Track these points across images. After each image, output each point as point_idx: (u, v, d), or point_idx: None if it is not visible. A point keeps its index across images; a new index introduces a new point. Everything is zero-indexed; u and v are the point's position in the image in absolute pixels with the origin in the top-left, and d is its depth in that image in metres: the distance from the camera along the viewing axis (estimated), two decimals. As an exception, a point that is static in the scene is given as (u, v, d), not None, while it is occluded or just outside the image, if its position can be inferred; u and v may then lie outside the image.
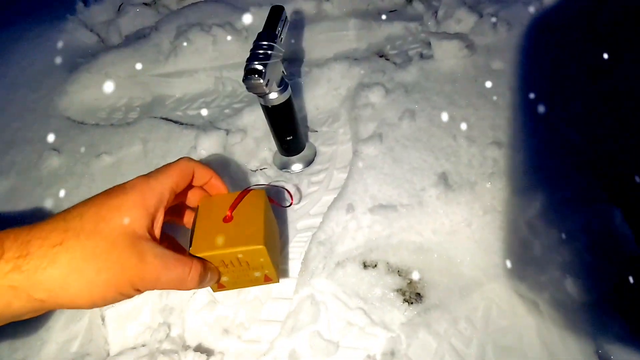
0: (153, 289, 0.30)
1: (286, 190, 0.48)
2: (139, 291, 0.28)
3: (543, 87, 0.52)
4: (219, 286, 0.37)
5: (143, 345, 0.41)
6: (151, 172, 0.32)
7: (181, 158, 0.35)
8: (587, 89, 0.50)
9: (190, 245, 0.33)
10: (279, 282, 0.38)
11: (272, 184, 0.52)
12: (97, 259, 0.26)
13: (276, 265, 0.38)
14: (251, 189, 0.37)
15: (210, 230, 0.34)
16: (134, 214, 0.28)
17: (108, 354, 0.41)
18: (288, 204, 0.50)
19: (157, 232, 0.31)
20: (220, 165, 0.55)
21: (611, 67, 0.53)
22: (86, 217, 0.27)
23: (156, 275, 0.28)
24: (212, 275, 0.33)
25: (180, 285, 0.30)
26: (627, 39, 0.55)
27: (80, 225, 0.26)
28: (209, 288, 0.37)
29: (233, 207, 0.35)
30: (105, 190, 0.30)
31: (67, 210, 0.27)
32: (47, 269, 0.24)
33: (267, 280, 0.38)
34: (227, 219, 0.35)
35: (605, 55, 0.54)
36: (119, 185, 0.30)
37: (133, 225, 0.28)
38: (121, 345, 0.42)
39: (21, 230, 0.25)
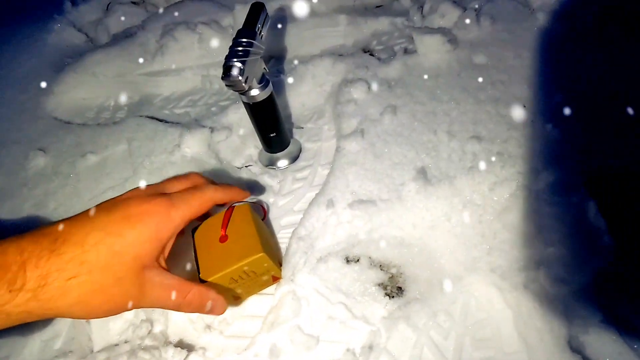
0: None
1: (261, 206, 0.49)
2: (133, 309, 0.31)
3: (524, 81, 0.52)
4: (235, 298, 0.42)
5: (126, 342, 0.41)
6: (174, 194, 0.33)
7: (208, 189, 0.35)
8: (567, 83, 0.51)
9: (198, 273, 0.36)
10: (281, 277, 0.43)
11: (249, 200, 0.53)
12: (104, 294, 0.28)
13: (278, 263, 0.43)
14: (234, 206, 0.40)
15: (212, 253, 0.37)
16: (147, 248, 0.30)
17: (91, 351, 0.42)
18: (262, 218, 0.51)
19: (165, 255, 0.33)
20: (205, 163, 0.55)
21: (592, 61, 0.53)
22: (102, 250, 0.28)
23: (151, 303, 0.31)
24: (214, 302, 0.34)
25: (175, 309, 0.32)
26: (610, 34, 0.55)
27: (96, 258, 0.28)
28: None
29: (224, 226, 0.38)
30: (124, 213, 0.30)
31: (85, 232, 0.28)
32: (59, 299, 0.27)
33: (275, 279, 0.43)
34: (223, 239, 0.37)
35: (587, 49, 0.54)
36: (138, 206, 0.30)
37: (143, 259, 0.30)
38: (105, 342, 0.42)
39: (41, 255, 0.27)
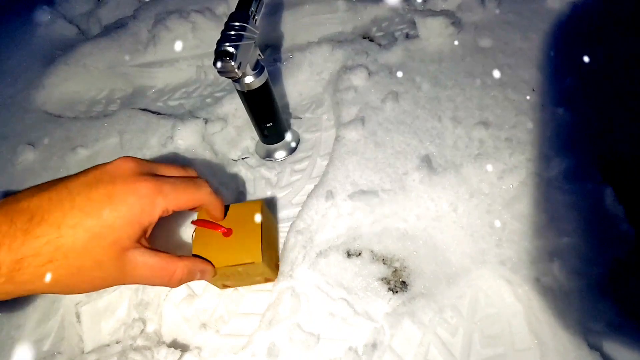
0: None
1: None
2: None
3: (533, 64, 0.50)
4: (223, 286, 0.41)
5: (117, 342, 0.39)
6: (165, 180, 0.31)
7: (203, 188, 0.33)
8: (580, 64, 0.48)
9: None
10: (276, 279, 0.42)
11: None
12: (82, 276, 0.27)
13: (275, 267, 0.41)
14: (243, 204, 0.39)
15: (211, 243, 0.36)
16: (127, 232, 0.28)
17: (82, 352, 0.40)
18: None
19: (147, 235, 0.31)
20: (200, 156, 0.53)
21: (604, 41, 0.50)
22: (79, 233, 0.27)
23: (136, 281, 0.30)
24: (202, 274, 0.34)
25: (163, 285, 0.32)
26: (623, 13, 0.53)
27: (72, 242, 0.26)
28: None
29: (217, 227, 0.36)
30: (106, 190, 0.28)
31: (63, 212, 0.27)
32: (36, 282, 0.26)
33: (267, 280, 0.41)
34: (226, 233, 0.36)
35: (599, 29, 0.51)
36: (123, 184, 0.28)
37: (123, 242, 0.28)
38: (96, 342, 0.41)
39: (15, 236, 0.25)
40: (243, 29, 0.42)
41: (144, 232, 0.30)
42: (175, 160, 0.51)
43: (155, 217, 0.30)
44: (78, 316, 0.42)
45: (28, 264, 0.25)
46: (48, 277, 0.26)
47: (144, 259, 0.29)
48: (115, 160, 0.30)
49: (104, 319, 0.42)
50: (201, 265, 0.34)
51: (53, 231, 0.26)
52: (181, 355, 0.37)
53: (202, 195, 0.33)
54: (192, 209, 0.35)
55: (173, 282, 0.32)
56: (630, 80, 0.46)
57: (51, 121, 0.63)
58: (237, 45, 0.41)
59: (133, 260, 0.29)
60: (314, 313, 0.40)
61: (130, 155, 0.31)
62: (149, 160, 0.33)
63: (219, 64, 0.40)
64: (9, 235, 0.25)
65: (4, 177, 0.55)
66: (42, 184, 0.29)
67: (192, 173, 0.35)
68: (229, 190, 0.51)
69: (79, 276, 0.27)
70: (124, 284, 0.30)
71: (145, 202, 0.29)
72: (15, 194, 0.28)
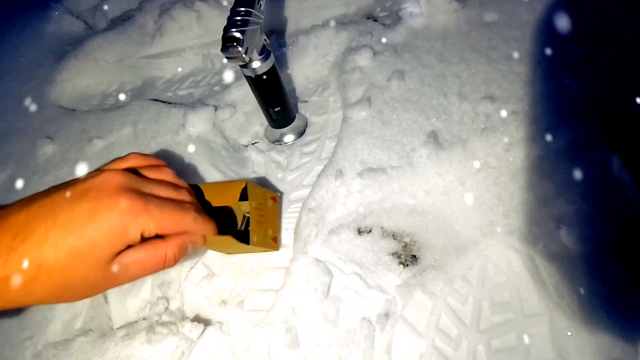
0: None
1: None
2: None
3: (540, 35, 0.49)
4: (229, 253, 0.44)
5: (144, 319, 0.42)
6: (152, 197, 0.30)
7: (189, 214, 0.32)
8: (585, 34, 0.47)
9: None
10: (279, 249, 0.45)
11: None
12: (70, 289, 0.27)
13: (272, 240, 0.43)
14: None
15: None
16: (111, 248, 0.27)
17: (111, 329, 0.42)
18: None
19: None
20: (211, 142, 0.55)
21: (612, 10, 0.49)
22: (61, 250, 0.26)
23: (131, 279, 0.30)
24: (194, 244, 0.33)
25: (158, 269, 0.31)
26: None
27: (54, 260, 0.26)
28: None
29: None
30: (90, 206, 0.27)
31: (46, 229, 0.26)
32: (25, 296, 0.26)
33: (274, 241, 0.44)
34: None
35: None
36: (107, 199, 0.27)
37: (107, 257, 0.27)
38: (123, 320, 0.43)
39: (0, 254, 0.25)
40: (249, 14, 0.42)
41: (128, 246, 0.29)
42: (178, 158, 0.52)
43: (137, 236, 0.28)
44: (105, 297, 0.45)
45: (13, 281, 0.25)
46: (36, 294, 0.26)
47: (133, 258, 0.29)
48: (103, 173, 0.29)
49: (130, 298, 0.44)
50: (189, 237, 0.32)
51: (35, 249, 0.26)
52: (204, 329, 0.39)
53: (186, 222, 0.31)
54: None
55: (169, 264, 0.31)
56: (638, 48, 0.45)
57: (66, 115, 0.65)
58: (244, 30, 0.41)
59: (121, 265, 0.28)
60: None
61: (120, 169, 0.30)
62: (142, 175, 0.32)
63: (226, 51, 0.41)
64: None
65: (27, 169, 0.58)
66: (33, 195, 0.28)
67: (184, 195, 0.33)
68: (241, 175, 0.52)
69: (65, 290, 0.27)
70: (122, 284, 0.30)
71: (127, 220, 0.27)
72: (4, 206, 0.28)
